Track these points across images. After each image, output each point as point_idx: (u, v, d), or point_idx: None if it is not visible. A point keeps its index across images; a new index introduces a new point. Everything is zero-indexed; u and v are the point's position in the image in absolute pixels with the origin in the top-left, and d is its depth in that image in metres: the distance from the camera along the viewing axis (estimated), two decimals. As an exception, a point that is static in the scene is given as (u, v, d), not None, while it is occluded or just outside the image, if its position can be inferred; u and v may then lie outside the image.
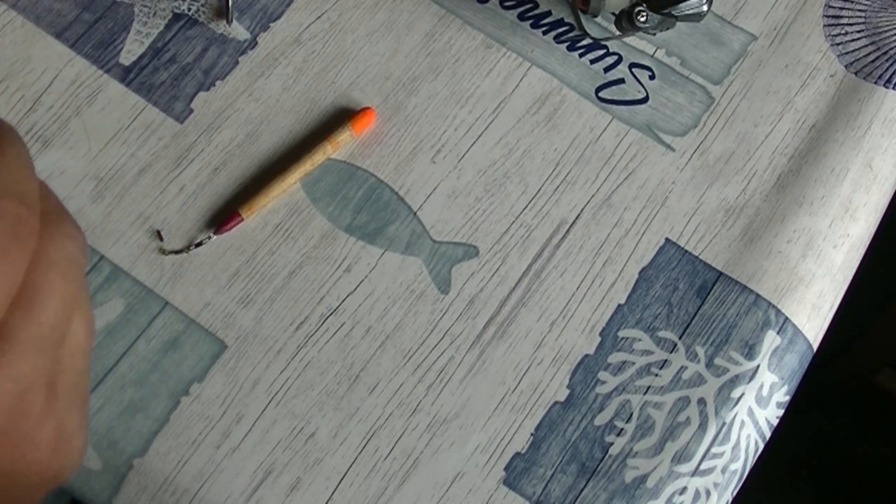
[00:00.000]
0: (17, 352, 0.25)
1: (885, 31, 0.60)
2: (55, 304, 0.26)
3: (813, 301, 0.53)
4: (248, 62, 0.56)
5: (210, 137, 0.54)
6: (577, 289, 0.52)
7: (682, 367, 0.51)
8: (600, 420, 0.50)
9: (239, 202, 0.52)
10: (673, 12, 0.54)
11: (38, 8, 0.56)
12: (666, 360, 0.51)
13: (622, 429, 0.50)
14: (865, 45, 0.59)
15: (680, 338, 0.52)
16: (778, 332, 0.52)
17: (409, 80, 0.57)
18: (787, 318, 0.52)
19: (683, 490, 0.49)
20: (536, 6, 0.59)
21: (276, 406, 0.49)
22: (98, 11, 0.57)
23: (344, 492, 0.48)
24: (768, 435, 0.52)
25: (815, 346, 0.54)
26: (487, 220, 0.54)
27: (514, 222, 0.54)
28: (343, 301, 0.51)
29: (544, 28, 0.58)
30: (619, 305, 0.52)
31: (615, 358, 0.51)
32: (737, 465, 0.50)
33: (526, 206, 0.54)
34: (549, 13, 0.59)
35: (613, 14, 0.58)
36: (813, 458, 1.20)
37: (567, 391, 0.50)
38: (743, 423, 0.50)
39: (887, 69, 0.59)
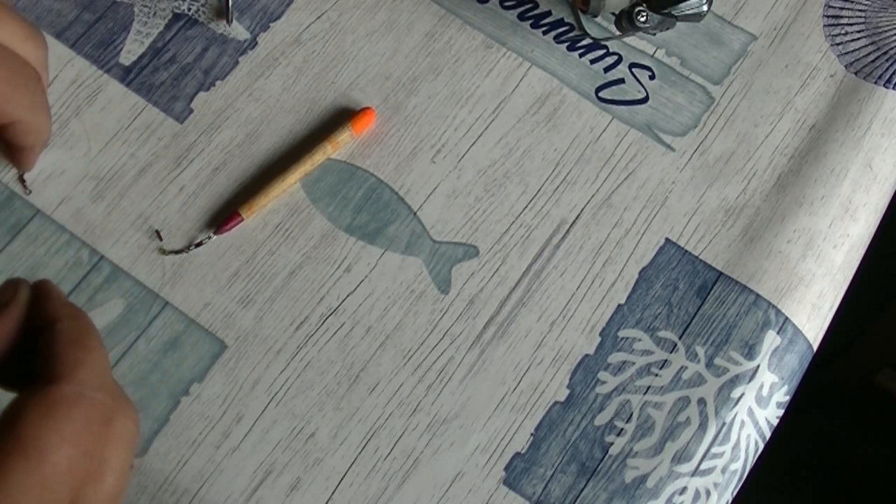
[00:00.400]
0: None
1: (885, 31, 0.60)
2: (118, 476, 0.31)
3: (813, 301, 0.53)
4: (248, 62, 0.56)
5: (210, 137, 0.54)
6: (577, 289, 0.52)
7: (682, 367, 0.51)
8: (600, 420, 0.50)
9: (239, 202, 0.52)
10: (673, 12, 0.54)
11: (38, 8, 0.56)
12: (666, 360, 0.51)
13: (622, 429, 0.50)
14: (865, 45, 0.59)
15: (680, 338, 0.52)
16: (778, 332, 0.52)
17: (409, 80, 0.57)
18: (787, 318, 0.52)
19: (683, 490, 0.49)
20: (536, 6, 0.59)
21: (276, 406, 0.49)
22: (98, 11, 0.57)
23: (344, 492, 0.48)
24: (768, 435, 0.52)
25: (815, 346, 0.54)
26: (487, 220, 0.54)
27: (514, 222, 0.54)
28: (343, 301, 0.51)
29: (544, 28, 0.58)
30: (619, 305, 0.52)
31: (615, 358, 0.51)
32: (737, 465, 0.50)
33: (526, 206, 0.54)
34: (549, 13, 0.59)
35: (613, 14, 0.58)
36: (813, 458, 1.20)
37: (567, 391, 0.50)
38: (743, 423, 0.50)
39: (887, 69, 0.59)
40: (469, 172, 0.55)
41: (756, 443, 0.51)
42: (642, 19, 0.53)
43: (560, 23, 0.59)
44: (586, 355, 0.51)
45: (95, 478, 0.30)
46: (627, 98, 0.57)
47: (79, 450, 0.30)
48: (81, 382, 0.31)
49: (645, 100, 0.57)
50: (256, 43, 0.57)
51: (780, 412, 0.52)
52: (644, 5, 0.54)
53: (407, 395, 0.50)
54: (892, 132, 0.57)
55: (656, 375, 0.51)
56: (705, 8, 0.54)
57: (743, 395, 0.51)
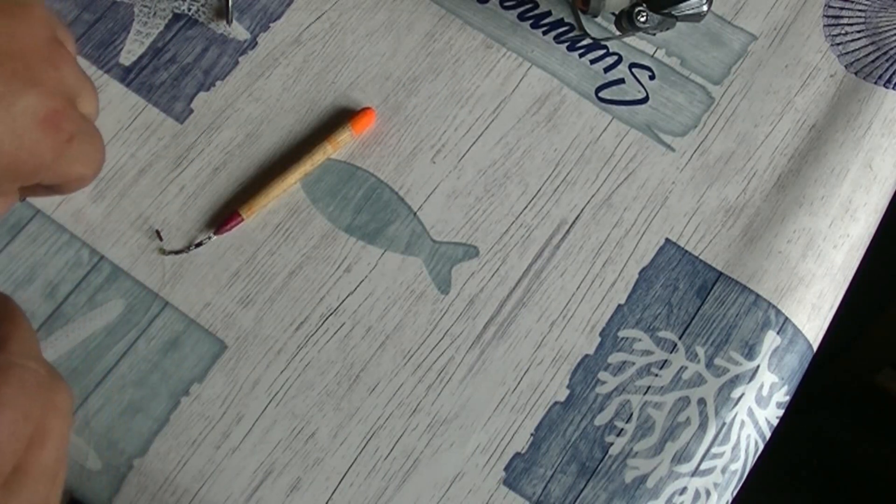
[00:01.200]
0: (32, 484, 0.31)
1: (885, 31, 0.60)
2: (58, 443, 0.33)
3: (813, 301, 0.53)
4: (248, 62, 0.56)
5: (210, 137, 0.54)
6: (577, 289, 0.52)
7: (682, 367, 0.51)
8: (600, 420, 0.50)
9: (239, 202, 0.52)
10: (673, 12, 0.54)
11: (38, 8, 0.56)
12: (666, 361, 0.51)
13: (622, 429, 0.50)
14: (865, 45, 0.59)
15: (680, 338, 0.52)
16: (778, 332, 0.52)
17: (409, 80, 0.57)
18: (787, 318, 0.52)
19: (683, 490, 0.49)
20: (536, 6, 0.59)
21: (276, 406, 0.49)
22: (98, 11, 0.57)
23: (344, 492, 0.48)
24: (768, 435, 0.52)
25: (815, 346, 0.54)
26: (487, 220, 0.54)
27: (514, 222, 0.54)
28: (343, 301, 0.51)
29: (544, 28, 0.58)
30: (619, 305, 0.52)
31: (615, 358, 0.51)
32: (737, 466, 0.50)
33: (526, 206, 0.54)
34: (549, 13, 0.59)
35: (613, 14, 0.58)
36: (813, 459, 1.20)
37: (567, 391, 0.50)
38: (743, 423, 0.50)
39: (887, 69, 0.59)
40: (469, 172, 0.55)
41: (756, 443, 0.51)
42: (642, 19, 0.53)
43: (560, 23, 0.59)
44: (586, 355, 0.51)
45: (37, 444, 0.32)
46: (627, 98, 0.57)
47: (18, 413, 0.31)
48: (12, 352, 0.32)
49: (645, 100, 0.57)
50: (256, 43, 0.57)
51: (780, 412, 0.52)
52: (644, 5, 0.54)
53: (407, 395, 0.50)
54: (892, 132, 0.57)
55: (656, 375, 0.51)
56: (705, 8, 0.54)
57: (743, 395, 0.51)
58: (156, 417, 0.48)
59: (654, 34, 0.58)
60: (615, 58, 0.58)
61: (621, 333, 0.52)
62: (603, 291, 0.52)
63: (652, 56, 0.58)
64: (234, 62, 0.56)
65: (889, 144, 0.57)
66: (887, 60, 0.59)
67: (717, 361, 0.51)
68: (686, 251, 0.54)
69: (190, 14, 0.57)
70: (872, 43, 0.60)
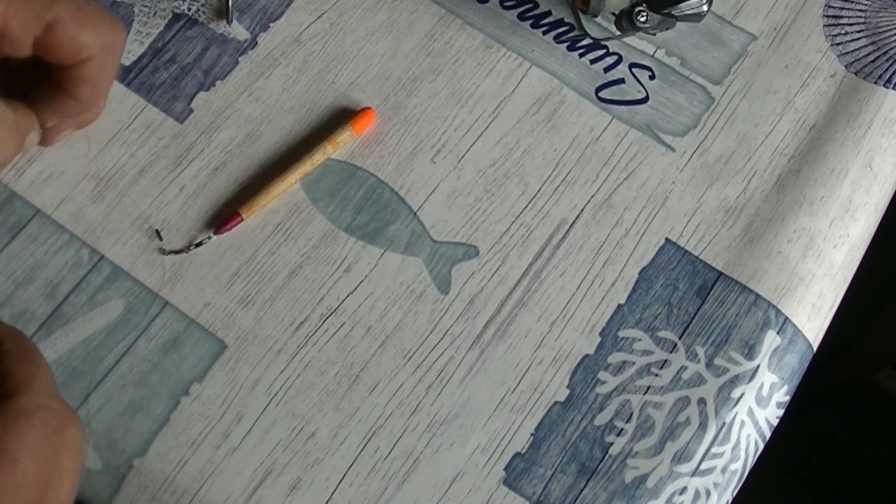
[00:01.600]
0: None
1: (885, 31, 0.60)
2: (73, 479, 0.34)
3: (813, 301, 0.53)
4: (248, 62, 0.56)
5: (210, 137, 0.54)
6: (577, 289, 0.52)
7: (682, 367, 0.51)
8: (600, 420, 0.50)
9: (239, 202, 0.52)
10: (673, 12, 0.54)
11: (38, 8, 0.56)
12: (666, 360, 0.51)
13: (622, 429, 0.50)
14: (865, 45, 0.59)
15: (680, 338, 0.52)
16: (778, 332, 0.52)
17: (409, 80, 0.57)
18: (787, 318, 0.52)
19: (683, 490, 0.49)
20: (536, 6, 0.59)
21: (276, 406, 0.49)
22: (98, 11, 0.57)
23: (344, 492, 0.48)
24: (768, 435, 0.52)
25: (815, 346, 0.54)
26: (487, 220, 0.54)
27: (514, 222, 0.54)
28: (343, 301, 0.51)
29: (544, 28, 0.58)
30: (619, 305, 0.52)
31: (615, 358, 0.51)
32: (737, 465, 0.50)
33: (526, 206, 0.54)
34: (549, 13, 0.59)
35: (613, 14, 0.58)
36: (813, 459, 1.20)
37: (567, 391, 0.50)
38: (743, 423, 0.50)
39: (887, 69, 0.59)
40: (469, 172, 0.55)
41: (756, 443, 0.51)
42: (642, 19, 0.53)
43: (560, 23, 0.59)
44: (586, 355, 0.51)
45: (55, 481, 0.33)
46: (627, 98, 0.57)
47: (43, 455, 0.33)
48: (37, 394, 0.34)
49: (645, 100, 0.57)
50: (256, 43, 0.57)
51: (780, 412, 0.52)
52: (644, 5, 0.54)
53: (407, 395, 0.50)
54: (892, 132, 0.57)
55: (656, 375, 0.51)
56: (705, 8, 0.54)
57: (743, 395, 0.51)
58: (156, 417, 0.48)
59: (654, 34, 0.58)
60: (615, 58, 0.58)
61: (621, 333, 0.52)
62: (603, 291, 0.53)
63: (652, 56, 0.58)
64: (234, 62, 0.56)
65: (889, 144, 0.57)
66: (887, 60, 0.59)
67: (717, 361, 0.51)
68: (686, 251, 0.54)
69: (190, 14, 0.57)
70: (872, 43, 0.60)
